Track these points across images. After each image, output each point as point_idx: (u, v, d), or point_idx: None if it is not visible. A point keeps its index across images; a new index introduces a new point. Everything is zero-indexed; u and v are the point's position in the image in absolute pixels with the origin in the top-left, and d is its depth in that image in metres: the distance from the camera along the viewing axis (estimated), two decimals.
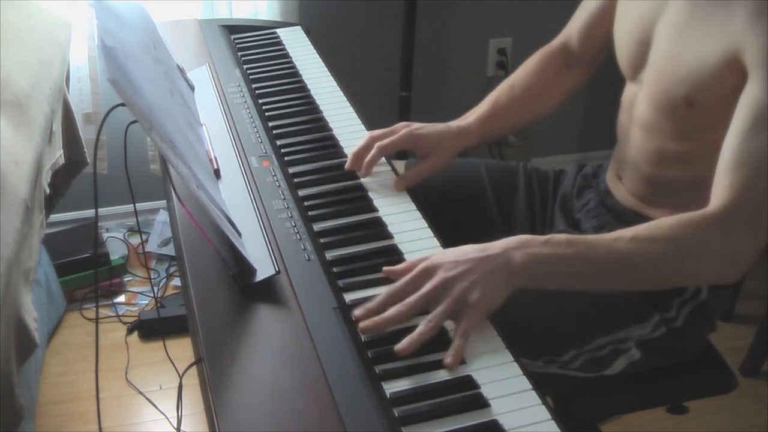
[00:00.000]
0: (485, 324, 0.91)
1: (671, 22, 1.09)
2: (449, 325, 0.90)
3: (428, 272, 0.92)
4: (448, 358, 0.85)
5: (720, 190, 0.97)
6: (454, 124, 1.27)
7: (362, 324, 0.88)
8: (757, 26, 0.97)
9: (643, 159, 1.18)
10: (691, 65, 1.05)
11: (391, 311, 0.89)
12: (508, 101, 1.31)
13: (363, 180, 1.17)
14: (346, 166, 1.18)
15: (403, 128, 1.22)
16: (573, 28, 1.35)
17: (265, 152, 1.22)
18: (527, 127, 1.37)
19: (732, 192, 0.96)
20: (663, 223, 0.98)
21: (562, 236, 0.97)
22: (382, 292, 0.92)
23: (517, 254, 0.93)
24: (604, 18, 1.28)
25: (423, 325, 0.87)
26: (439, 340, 0.88)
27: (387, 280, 0.96)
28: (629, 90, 1.22)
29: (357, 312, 0.90)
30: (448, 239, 1.03)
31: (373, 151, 1.17)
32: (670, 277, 1.02)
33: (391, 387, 0.82)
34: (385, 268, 0.96)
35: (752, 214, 0.96)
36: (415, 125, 1.23)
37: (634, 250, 0.96)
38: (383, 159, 1.21)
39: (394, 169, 1.20)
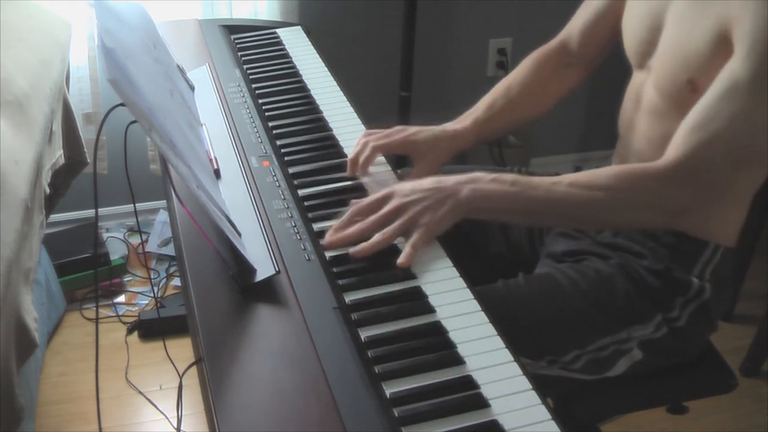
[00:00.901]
0: (485, 323, 0.91)
1: (680, 5, 1.10)
2: (450, 324, 0.90)
3: (387, 197, 1.04)
4: (401, 258, 0.98)
5: (674, 146, 1.03)
6: (450, 127, 1.28)
7: (327, 238, 1.01)
8: (746, 5, 0.99)
9: (649, 148, 1.18)
10: (693, 47, 1.06)
11: (352, 229, 1.02)
12: (505, 103, 1.33)
13: (363, 180, 1.17)
14: (347, 172, 1.19)
15: (399, 132, 1.23)
16: (574, 27, 1.36)
17: (265, 152, 1.22)
18: (524, 127, 1.37)
19: (683, 150, 1.01)
20: (602, 171, 1.05)
21: (509, 175, 1.06)
22: (381, 292, 0.93)
23: (465, 189, 1.03)
24: (607, 18, 1.29)
25: (378, 236, 1.00)
26: (439, 342, 0.88)
27: (386, 281, 0.97)
28: (636, 79, 1.23)
29: (327, 234, 1.02)
30: (445, 243, 1.03)
31: (366, 152, 1.18)
32: (604, 222, 1.10)
33: (391, 387, 0.82)
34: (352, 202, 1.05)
35: (698, 174, 1.01)
36: (411, 130, 1.24)
37: (570, 194, 1.04)
38: (383, 160, 1.22)
39: (394, 170, 1.20)
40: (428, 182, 1.04)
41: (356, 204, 1.05)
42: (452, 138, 1.27)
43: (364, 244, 0.99)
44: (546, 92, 1.36)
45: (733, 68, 0.99)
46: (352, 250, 0.99)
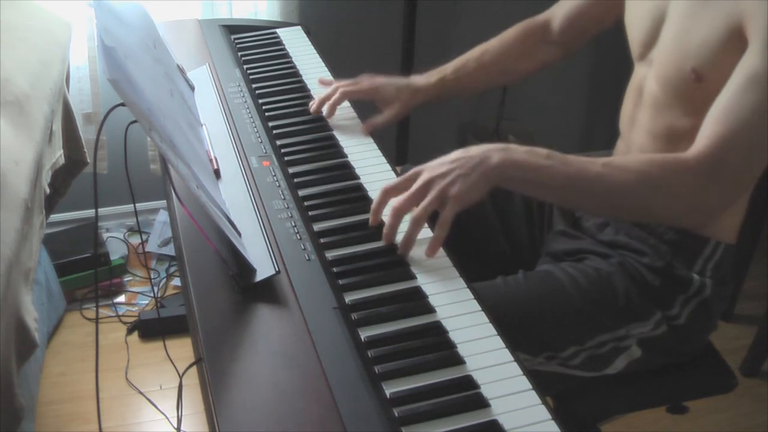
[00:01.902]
0: (485, 323, 0.91)
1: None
2: (450, 324, 0.90)
3: (417, 173, 1.03)
4: (427, 249, 0.99)
5: (701, 138, 1.01)
6: (415, 81, 1.37)
7: (372, 222, 1.04)
8: (759, 2, 0.99)
9: (651, 141, 1.18)
10: (699, 38, 1.06)
11: (387, 218, 1.02)
12: (476, 67, 1.39)
13: (363, 180, 1.17)
14: (312, 108, 1.30)
15: (365, 80, 1.34)
16: (557, 13, 1.40)
17: (265, 152, 1.22)
18: (488, 91, 1.44)
19: (711, 142, 1.00)
20: (638, 156, 1.06)
21: (544, 150, 1.04)
22: (381, 292, 0.94)
23: (496, 155, 1.01)
24: (592, 11, 1.33)
25: (410, 222, 0.99)
26: (439, 342, 0.88)
27: (387, 281, 0.97)
28: (638, 73, 1.23)
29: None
30: (446, 242, 1.03)
31: (336, 95, 1.29)
32: (633, 208, 1.06)
33: (391, 387, 0.82)
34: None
35: (723, 169, 1.00)
36: (378, 80, 1.34)
37: (604, 174, 1.02)
38: (379, 153, 1.23)
39: (397, 174, 1.19)
40: (455, 153, 1.03)
41: (386, 185, 1.04)
42: (414, 91, 1.35)
43: (401, 242, 1.00)
44: (520, 64, 1.42)
45: (751, 61, 0.99)
46: (400, 251, 1.00)
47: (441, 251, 1.02)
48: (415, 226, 0.99)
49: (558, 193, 1.05)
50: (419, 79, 1.37)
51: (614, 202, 1.05)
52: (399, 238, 1.02)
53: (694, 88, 1.08)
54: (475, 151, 1.02)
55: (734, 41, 1.02)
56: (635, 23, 1.22)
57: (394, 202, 1.02)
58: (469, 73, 1.39)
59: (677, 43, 1.10)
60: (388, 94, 1.34)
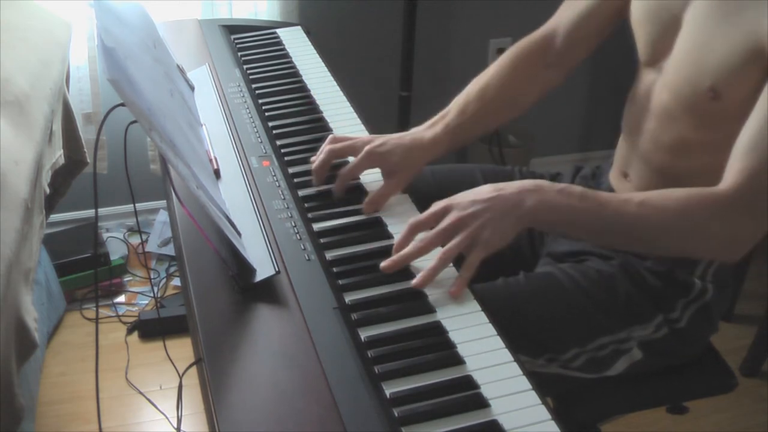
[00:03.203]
0: (485, 323, 0.91)
1: (701, 8, 1.06)
2: (450, 324, 0.90)
3: (446, 210, 0.99)
4: (453, 287, 0.94)
5: (733, 171, 0.98)
6: (420, 135, 1.20)
7: (384, 263, 0.97)
8: None
9: (657, 150, 1.16)
10: (719, 56, 1.03)
11: (409, 248, 0.98)
12: (479, 107, 1.25)
13: (363, 180, 1.17)
14: (314, 182, 1.14)
15: (364, 146, 1.15)
16: (560, 26, 1.29)
17: (265, 152, 1.22)
18: (496, 129, 1.32)
19: (744, 176, 0.97)
20: (673, 194, 1.00)
21: (577, 188, 1.01)
22: (381, 292, 0.94)
23: (530, 198, 0.98)
24: (596, 18, 1.25)
25: (436, 260, 0.95)
26: (439, 342, 0.88)
27: (387, 281, 0.97)
28: (646, 78, 1.19)
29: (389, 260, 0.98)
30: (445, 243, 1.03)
31: (323, 156, 1.14)
32: (670, 247, 1.04)
33: (391, 387, 0.82)
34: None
35: (758, 201, 0.97)
36: (377, 142, 1.16)
37: (641, 215, 0.99)
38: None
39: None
40: (488, 191, 0.99)
41: (414, 219, 1.00)
42: (425, 148, 1.19)
43: (424, 273, 0.95)
44: (523, 95, 1.30)
45: None
46: (413, 282, 0.95)
47: (441, 251, 1.01)
48: (441, 265, 0.96)
49: (593, 235, 1.02)
50: (424, 134, 1.20)
51: (652, 243, 1.03)
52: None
53: (711, 105, 1.05)
54: (509, 191, 0.98)
55: (754, 60, 0.99)
56: (643, 27, 1.17)
57: (420, 235, 0.99)
58: (474, 116, 1.24)
59: (694, 58, 1.07)
60: (395, 157, 1.15)
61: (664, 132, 1.15)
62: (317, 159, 1.15)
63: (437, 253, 0.97)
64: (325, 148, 1.16)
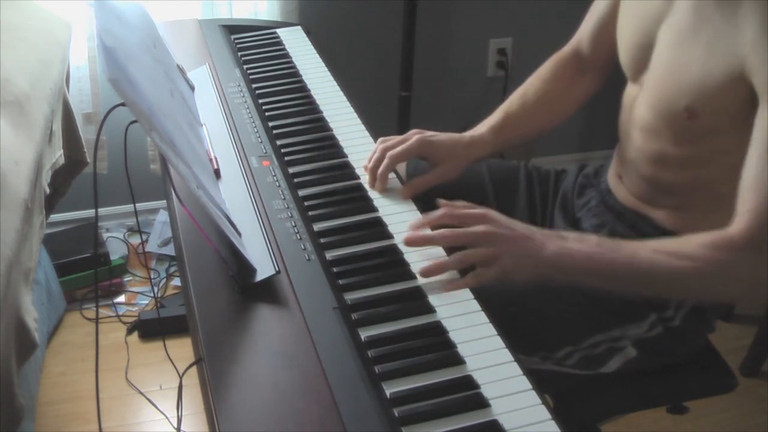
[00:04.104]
0: (485, 323, 0.91)
1: (675, 27, 1.07)
2: (450, 324, 0.90)
3: (485, 218, 1.01)
4: (450, 284, 0.96)
5: (742, 213, 0.98)
6: (467, 134, 1.27)
7: (408, 235, 1.01)
8: (762, 50, 0.95)
9: (642, 160, 1.18)
10: (694, 77, 1.03)
11: (435, 233, 1.00)
12: (521, 111, 1.30)
13: (363, 180, 1.17)
14: (369, 183, 1.17)
15: (415, 135, 1.21)
16: (584, 34, 1.34)
17: (265, 152, 1.22)
18: (540, 135, 1.35)
19: (752, 216, 0.97)
20: (690, 240, 1.00)
21: (593, 237, 1.03)
22: (381, 292, 0.94)
23: (552, 244, 1.00)
24: (614, 21, 1.26)
25: (453, 257, 0.98)
26: (439, 342, 0.88)
27: (387, 281, 0.97)
28: (630, 91, 1.21)
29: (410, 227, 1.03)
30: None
31: (385, 161, 1.16)
32: (687, 293, 1.06)
33: (391, 387, 0.82)
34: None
35: None
36: (428, 133, 1.22)
37: (655, 262, 0.99)
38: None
39: (398, 176, 1.19)
40: (523, 225, 1.02)
41: (450, 205, 1.03)
42: (468, 145, 1.25)
43: (436, 263, 0.98)
44: (563, 100, 1.34)
45: None
46: (422, 267, 0.97)
47: (441, 251, 1.02)
48: (455, 265, 0.98)
49: (607, 281, 1.02)
50: (472, 133, 1.27)
51: (666, 289, 1.05)
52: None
53: (688, 125, 1.06)
54: (537, 234, 1.01)
55: (734, 85, 0.99)
56: (624, 43, 1.20)
57: (445, 230, 1.00)
58: (517, 119, 1.30)
59: (670, 77, 1.08)
60: (443, 150, 1.22)
61: (646, 145, 1.16)
62: (381, 168, 1.16)
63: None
64: (378, 147, 1.19)
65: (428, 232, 1.02)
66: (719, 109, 1.02)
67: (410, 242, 1.00)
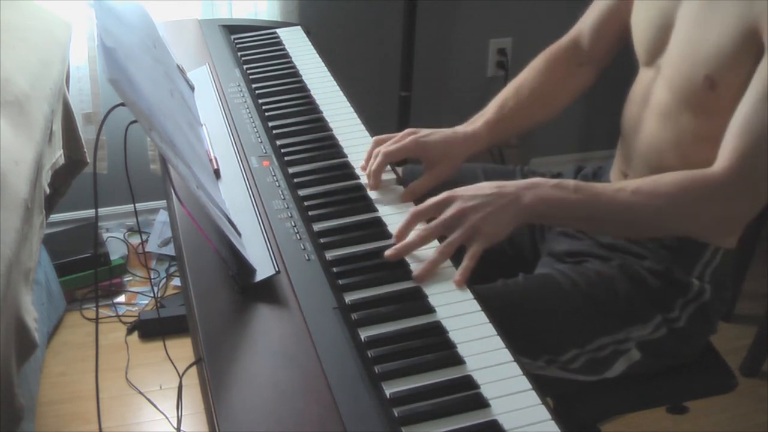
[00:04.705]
0: (485, 323, 0.91)
1: (693, 4, 1.09)
2: (450, 324, 0.90)
3: (449, 200, 1.02)
4: (457, 276, 0.96)
5: (726, 152, 1.01)
6: (461, 129, 1.26)
7: (388, 252, 0.99)
8: None
9: (656, 149, 1.17)
10: (712, 44, 1.05)
11: (411, 236, 1.01)
12: (516, 105, 1.30)
13: (363, 180, 1.17)
14: (369, 187, 1.16)
15: (409, 135, 1.20)
16: (585, 25, 1.34)
17: (265, 152, 1.22)
18: (536, 128, 1.36)
19: (736, 156, 0.99)
20: (665, 178, 1.03)
21: (571, 182, 1.05)
22: (381, 292, 0.94)
23: (527, 194, 1.02)
24: (617, 16, 1.28)
25: (436, 252, 0.98)
26: (439, 342, 0.88)
27: (387, 281, 0.97)
28: (644, 78, 1.21)
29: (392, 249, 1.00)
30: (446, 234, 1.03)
31: (379, 158, 1.15)
32: (664, 229, 1.09)
33: (391, 387, 0.82)
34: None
35: (751, 181, 1.00)
36: (422, 132, 1.21)
37: (635, 202, 1.02)
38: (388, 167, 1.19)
39: (398, 176, 1.19)
40: (489, 187, 1.03)
41: (416, 208, 1.03)
42: (464, 141, 1.24)
43: (424, 266, 0.97)
44: (558, 93, 1.34)
45: None
46: (415, 274, 0.97)
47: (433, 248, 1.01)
48: (441, 258, 0.98)
49: (587, 224, 1.06)
50: (465, 129, 1.26)
51: (646, 228, 1.07)
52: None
53: (708, 96, 1.07)
54: (509, 187, 1.02)
55: (749, 45, 1.01)
56: (641, 27, 1.20)
57: (421, 226, 1.02)
58: (512, 113, 1.29)
59: (688, 51, 1.09)
60: (438, 149, 1.21)
61: (664, 129, 1.16)
62: (374, 164, 1.15)
63: (434, 245, 0.99)
64: (372, 145, 1.19)
65: (405, 240, 1.01)
66: (737, 76, 1.03)
67: (392, 258, 0.99)
